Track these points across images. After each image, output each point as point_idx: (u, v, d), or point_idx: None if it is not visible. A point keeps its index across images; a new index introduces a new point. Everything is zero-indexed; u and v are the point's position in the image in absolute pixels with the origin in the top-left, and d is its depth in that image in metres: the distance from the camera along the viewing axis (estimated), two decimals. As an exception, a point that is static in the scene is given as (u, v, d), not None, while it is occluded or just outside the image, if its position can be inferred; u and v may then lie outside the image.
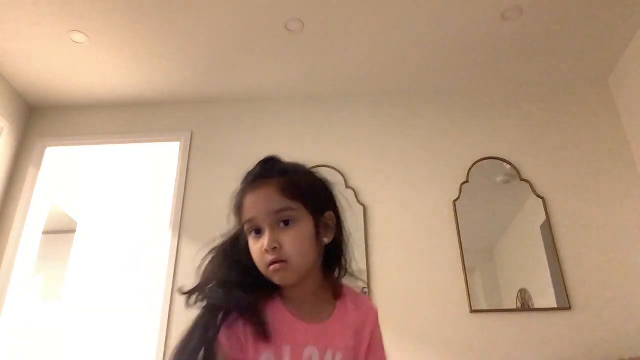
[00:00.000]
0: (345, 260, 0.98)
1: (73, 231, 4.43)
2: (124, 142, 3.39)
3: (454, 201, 2.96)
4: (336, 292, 0.96)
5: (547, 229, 2.83)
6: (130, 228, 4.42)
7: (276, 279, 0.90)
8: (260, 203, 0.92)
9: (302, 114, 3.35)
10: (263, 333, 0.85)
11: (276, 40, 2.89)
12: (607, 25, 2.82)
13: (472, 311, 2.66)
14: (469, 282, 2.73)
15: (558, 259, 2.74)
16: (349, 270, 0.99)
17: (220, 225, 3.39)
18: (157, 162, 3.97)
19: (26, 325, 3.97)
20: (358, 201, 3.00)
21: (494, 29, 2.83)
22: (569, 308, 2.62)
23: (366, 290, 2.75)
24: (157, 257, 3.35)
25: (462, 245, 2.82)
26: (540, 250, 2.79)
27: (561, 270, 2.71)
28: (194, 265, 2.92)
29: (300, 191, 0.92)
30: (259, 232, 0.91)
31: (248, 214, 0.92)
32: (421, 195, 3.01)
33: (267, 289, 0.91)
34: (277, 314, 0.89)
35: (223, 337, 0.85)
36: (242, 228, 0.95)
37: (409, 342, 2.63)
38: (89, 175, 4.24)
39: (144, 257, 4.16)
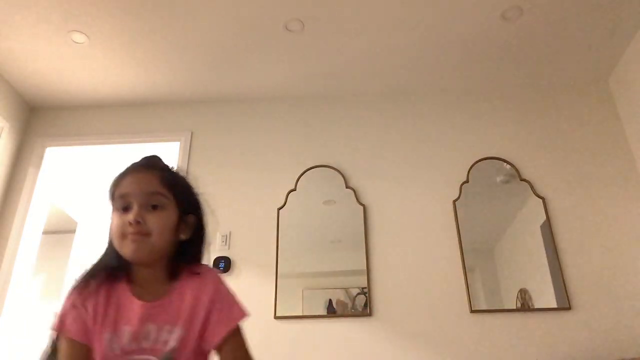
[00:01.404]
0: (199, 257, 1.07)
1: (73, 231, 4.43)
2: (124, 142, 3.39)
3: (454, 201, 2.96)
4: (175, 274, 1.01)
5: (547, 229, 2.83)
6: (130, 228, 4.41)
7: (130, 249, 0.96)
8: (139, 183, 1.00)
9: (302, 114, 3.35)
10: (102, 317, 0.95)
11: (276, 40, 2.89)
12: (607, 25, 2.82)
13: (472, 311, 2.66)
14: (469, 282, 2.73)
15: (558, 259, 2.74)
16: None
17: (220, 224, 3.39)
18: (157, 162, 3.96)
19: (26, 325, 3.97)
20: (358, 201, 3.00)
21: (494, 29, 2.83)
22: (569, 308, 2.62)
23: (366, 290, 2.76)
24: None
25: (462, 245, 2.82)
26: (540, 250, 2.79)
27: (561, 270, 2.71)
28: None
29: (175, 186, 1.03)
30: (126, 209, 0.98)
31: (123, 189, 1.00)
32: (421, 195, 3.01)
33: (118, 271, 0.99)
34: (121, 296, 0.97)
35: (69, 319, 0.95)
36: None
37: (409, 342, 2.63)
38: (89, 175, 4.24)
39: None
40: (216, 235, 2.96)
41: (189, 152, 3.24)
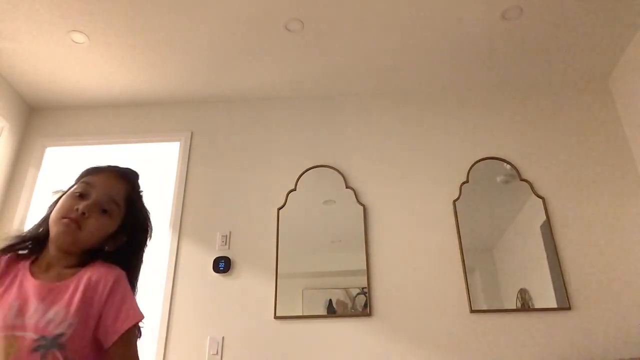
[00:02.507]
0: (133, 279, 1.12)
1: (73, 231, 4.42)
2: (124, 142, 3.39)
3: (454, 201, 2.96)
4: (84, 264, 1.05)
5: (547, 229, 2.83)
6: (130, 228, 4.41)
7: (59, 231, 1.02)
8: (109, 184, 1.09)
9: (302, 114, 3.35)
10: None
11: (276, 40, 2.89)
12: (607, 25, 2.82)
13: (472, 311, 2.66)
14: (469, 282, 2.73)
15: (558, 259, 2.74)
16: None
17: (220, 224, 3.40)
18: (157, 162, 3.97)
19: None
20: (358, 201, 3.00)
21: (494, 29, 2.83)
22: (569, 308, 2.62)
23: (366, 290, 2.76)
24: (157, 257, 3.34)
25: (462, 245, 2.82)
26: (540, 250, 2.79)
27: (561, 270, 2.71)
28: (194, 265, 2.98)
29: (132, 207, 1.12)
30: (81, 197, 1.06)
31: (92, 180, 1.08)
32: (421, 195, 3.01)
33: (34, 248, 1.06)
34: (19, 272, 1.02)
35: None
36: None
37: (409, 342, 2.63)
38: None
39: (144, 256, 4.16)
40: (216, 235, 2.96)
41: (189, 152, 3.24)
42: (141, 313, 1.02)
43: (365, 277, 2.78)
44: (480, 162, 3.06)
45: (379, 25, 2.80)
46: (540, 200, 2.91)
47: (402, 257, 2.85)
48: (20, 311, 0.95)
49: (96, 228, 1.04)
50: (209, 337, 2.69)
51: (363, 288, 2.77)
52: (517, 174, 3.01)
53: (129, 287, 1.04)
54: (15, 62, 3.03)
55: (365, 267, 2.81)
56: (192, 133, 3.32)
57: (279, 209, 3.01)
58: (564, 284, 2.67)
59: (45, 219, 1.07)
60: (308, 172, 3.12)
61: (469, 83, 3.29)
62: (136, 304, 1.03)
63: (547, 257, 2.76)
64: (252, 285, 2.82)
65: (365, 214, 2.97)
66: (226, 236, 2.95)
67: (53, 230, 1.03)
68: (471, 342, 2.60)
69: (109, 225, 1.07)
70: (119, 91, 3.31)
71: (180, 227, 3.00)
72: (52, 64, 3.06)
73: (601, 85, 3.25)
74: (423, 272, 2.79)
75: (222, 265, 2.85)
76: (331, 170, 3.11)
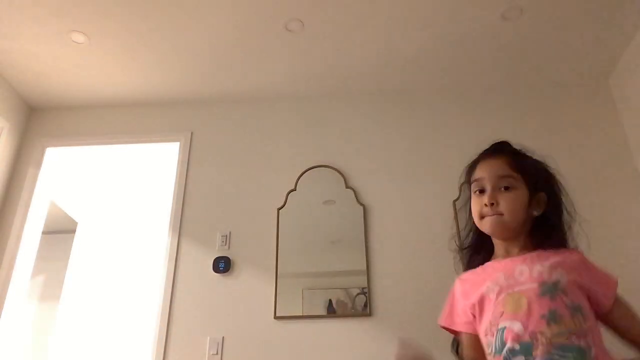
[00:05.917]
0: (558, 232, 1.19)
1: (73, 231, 4.43)
2: (124, 142, 3.39)
3: (454, 201, 2.95)
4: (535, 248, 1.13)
5: (547, 229, 2.82)
6: (130, 228, 4.42)
7: (487, 227, 1.15)
8: (490, 168, 1.18)
9: (302, 114, 3.35)
10: (471, 282, 1.17)
11: (276, 40, 2.89)
12: (607, 25, 2.82)
13: (472, 311, 2.66)
14: (469, 282, 2.72)
15: (558, 259, 2.73)
16: (565, 241, 1.20)
17: (220, 224, 3.39)
18: (157, 162, 3.97)
19: (26, 325, 3.97)
20: (358, 201, 3.00)
21: (494, 29, 2.83)
22: (569, 308, 2.62)
23: (366, 290, 2.76)
24: (157, 257, 3.35)
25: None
26: (540, 250, 2.78)
27: (561, 270, 2.70)
28: (194, 265, 2.97)
29: (524, 167, 1.17)
30: (482, 192, 1.17)
31: (478, 174, 1.20)
32: (421, 195, 3.01)
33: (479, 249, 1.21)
34: (485, 271, 1.17)
35: (451, 312, 1.29)
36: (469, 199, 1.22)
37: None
38: (89, 175, 4.24)
39: (144, 257, 4.16)
40: (216, 235, 2.96)
41: (189, 152, 3.24)
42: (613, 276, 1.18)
43: (365, 277, 2.78)
44: (480, 162, 3.06)
45: (379, 26, 2.80)
46: (540, 200, 2.90)
47: (402, 257, 2.85)
48: (508, 275, 1.08)
49: (511, 205, 1.12)
50: (209, 337, 2.69)
51: (363, 288, 2.77)
52: (517, 174, 3.00)
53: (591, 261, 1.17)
54: (15, 62, 3.03)
55: (365, 267, 2.81)
56: (192, 133, 3.31)
57: (279, 209, 3.01)
58: (564, 284, 2.67)
59: (470, 227, 1.24)
60: (308, 172, 3.12)
61: (468, 83, 3.29)
62: (603, 271, 1.20)
63: (547, 257, 2.75)
64: (252, 285, 2.82)
65: (365, 214, 2.97)
66: (226, 236, 2.95)
67: (484, 229, 1.16)
68: (471, 342, 2.59)
69: (519, 196, 1.13)
70: (119, 91, 3.31)
71: (180, 227, 3.00)
72: (52, 64, 3.06)
73: (601, 85, 3.25)
74: (423, 272, 2.79)
75: (222, 265, 2.85)
76: (331, 170, 3.11)
